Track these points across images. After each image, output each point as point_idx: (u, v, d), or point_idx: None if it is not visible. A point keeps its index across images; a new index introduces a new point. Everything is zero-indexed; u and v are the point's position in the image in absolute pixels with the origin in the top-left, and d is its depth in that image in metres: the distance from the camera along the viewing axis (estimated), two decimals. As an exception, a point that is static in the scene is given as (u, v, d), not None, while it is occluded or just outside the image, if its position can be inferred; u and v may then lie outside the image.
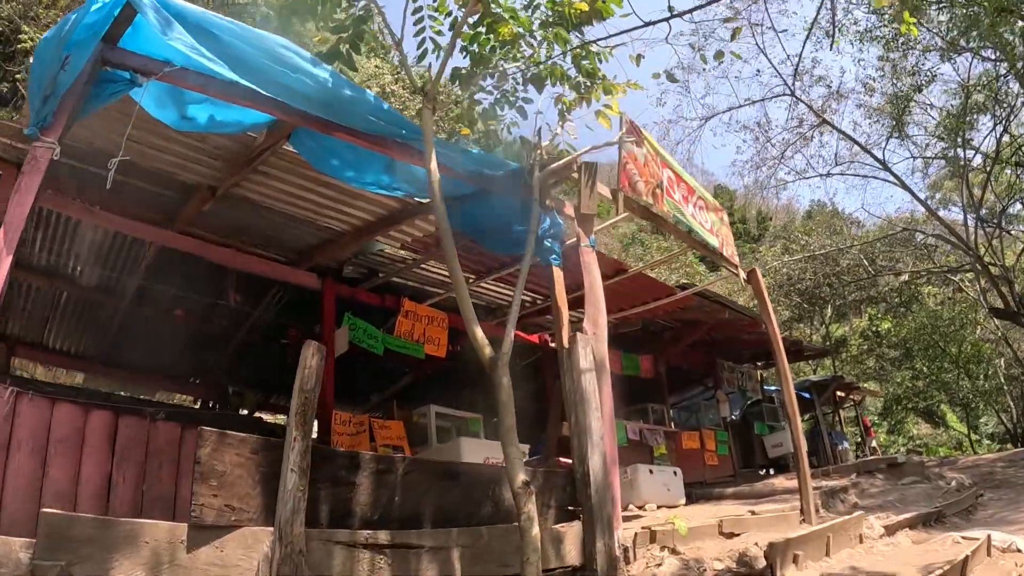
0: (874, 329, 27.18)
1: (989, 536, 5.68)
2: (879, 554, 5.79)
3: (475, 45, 4.98)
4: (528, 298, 8.87)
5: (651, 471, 9.20)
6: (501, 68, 4.75)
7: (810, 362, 22.96)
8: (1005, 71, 15.50)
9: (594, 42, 4.74)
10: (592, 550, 4.14)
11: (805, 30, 15.67)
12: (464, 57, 5.08)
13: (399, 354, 8.14)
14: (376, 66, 19.19)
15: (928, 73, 16.98)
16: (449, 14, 5.04)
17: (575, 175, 5.31)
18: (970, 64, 16.59)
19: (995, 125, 17.51)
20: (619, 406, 11.11)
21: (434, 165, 4.10)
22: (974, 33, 13.42)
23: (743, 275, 7.64)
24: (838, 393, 18.46)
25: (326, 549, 3.24)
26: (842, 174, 21.43)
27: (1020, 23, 12.61)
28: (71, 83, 3.69)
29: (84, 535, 2.98)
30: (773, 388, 15.75)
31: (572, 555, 4.22)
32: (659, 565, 4.53)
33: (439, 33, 5.06)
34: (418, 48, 5.12)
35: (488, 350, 3.70)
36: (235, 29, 3.87)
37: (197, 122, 4.37)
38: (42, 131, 3.60)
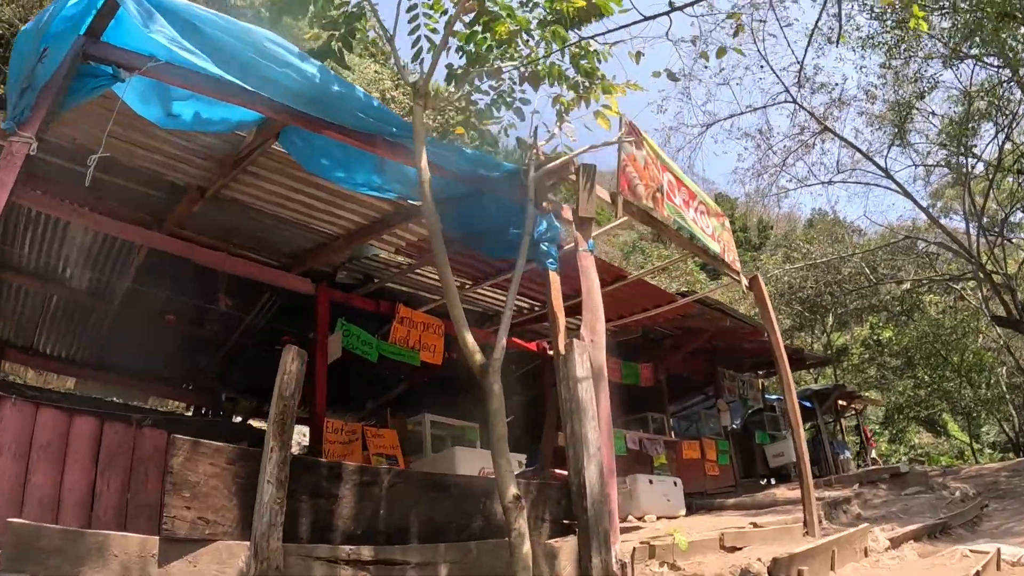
0: (875, 338, 27.02)
1: (999, 550, 5.51)
2: (885, 568, 5.63)
3: (471, 44, 4.86)
4: (526, 304, 8.72)
5: (651, 481, 9.05)
6: (496, 66, 4.60)
7: (811, 371, 22.85)
8: (1008, 78, 15.40)
9: (592, 38, 4.60)
10: (588, 566, 3.97)
11: (807, 36, 15.60)
12: (460, 57, 4.95)
13: (394, 361, 7.99)
14: (376, 71, 19.13)
15: (930, 80, 16.87)
16: (445, 12, 4.91)
17: (573, 177, 5.17)
18: (972, 71, 16.50)
19: (997, 132, 17.41)
20: (618, 415, 10.98)
21: (424, 163, 3.96)
22: (977, 39, 13.32)
23: (745, 282, 7.50)
24: (839, 402, 18.33)
25: (305, 565, 3.07)
26: (844, 182, 21.30)
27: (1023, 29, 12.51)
28: (49, 76, 3.57)
29: (52, 546, 2.89)
30: (774, 397, 15.60)
31: (567, 571, 4.06)
32: (658, 581, 4.37)
33: (434, 31, 4.92)
34: (412, 47, 4.99)
35: (479, 357, 3.54)
36: (219, 22, 3.73)
37: (183, 120, 4.23)
38: (19, 125, 3.46)
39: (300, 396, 3.20)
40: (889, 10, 13.77)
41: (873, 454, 21.45)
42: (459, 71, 4.97)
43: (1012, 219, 21.02)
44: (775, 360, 7.58)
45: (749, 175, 21.33)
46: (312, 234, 6.63)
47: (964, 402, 25.14)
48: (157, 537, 2.93)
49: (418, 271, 7.53)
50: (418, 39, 4.91)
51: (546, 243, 5.26)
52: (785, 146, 20.20)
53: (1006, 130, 17.09)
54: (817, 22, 15.09)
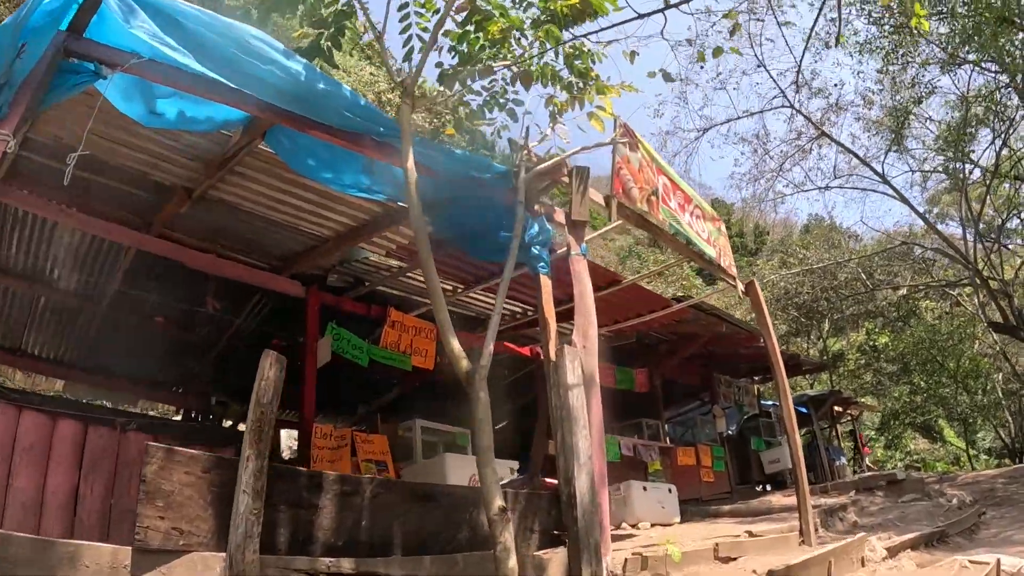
0: (872, 343, 26.97)
1: (999, 561, 5.40)
2: (882, 579, 5.53)
3: (464, 44, 4.78)
4: (519, 308, 8.62)
5: (645, 488, 8.95)
6: (488, 64, 4.52)
7: (807, 376, 22.75)
8: (1005, 83, 15.39)
9: (586, 36, 4.52)
10: (578, 578, 3.86)
11: (804, 40, 15.56)
12: (453, 56, 4.87)
13: (385, 366, 7.88)
14: (371, 73, 19.04)
15: (928, 85, 16.87)
16: (437, 11, 4.83)
17: (566, 179, 5.08)
18: (969, 76, 16.52)
19: (994, 138, 17.40)
20: (613, 421, 10.91)
21: (411, 163, 3.86)
22: (974, 44, 13.29)
23: (741, 287, 7.42)
24: (835, 408, 18.25)
25: (284, 578, 2.96)
26: (841, 187, 21.30)
27: (1021, 34, 12.48)
28: (28, 73, 3.47)
29: (21, 556, 2.77)
30: (770, 403, 15.53)
31: (557, 582, 3.95)
32: (650, 593, 4.26)
33: (425, 30, 4.84)
34: (403, 46, 4.91)
35: (465, 362, 3.44)
36: (202, 17, 3.64)
37: (166, 118, 4.12)
38: (-4, 122, 3.36)
39: (279, 403, 3.09)
40: (887, 14, 13.75)
41: (867, 460, 21.37)
42: (450, 71, 4.89)
43: (1009, 225, 21.02)
44: (771, 366, 7.51)
45: (745, 180, 21.33)
46: (302, 236, 6.53)
47: (960, 408, 25.08)
48: (130, 548, 2.82)
49: (410, 274, 7.43)
50: (409, 38, 4.83)
51: (537, 246, 5.16)
52: (782, 151, 20.22)
53: (1003, 136, 17.10)
54: (814, 26, 15.06)
